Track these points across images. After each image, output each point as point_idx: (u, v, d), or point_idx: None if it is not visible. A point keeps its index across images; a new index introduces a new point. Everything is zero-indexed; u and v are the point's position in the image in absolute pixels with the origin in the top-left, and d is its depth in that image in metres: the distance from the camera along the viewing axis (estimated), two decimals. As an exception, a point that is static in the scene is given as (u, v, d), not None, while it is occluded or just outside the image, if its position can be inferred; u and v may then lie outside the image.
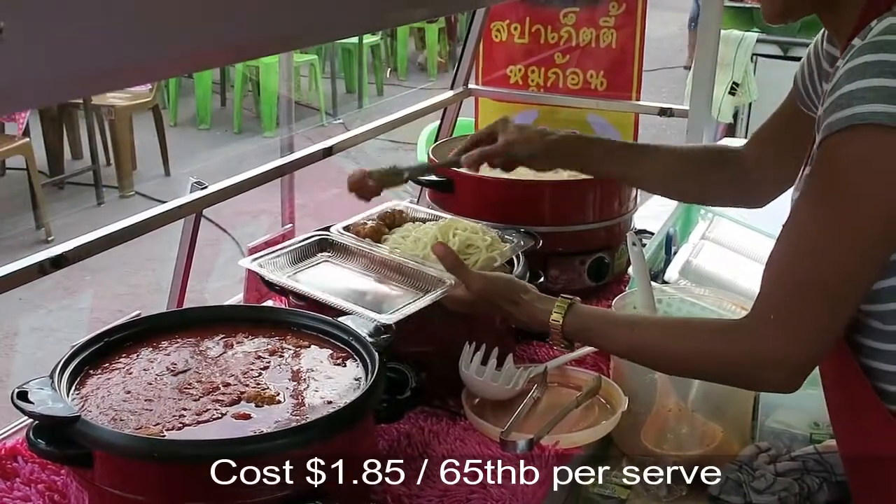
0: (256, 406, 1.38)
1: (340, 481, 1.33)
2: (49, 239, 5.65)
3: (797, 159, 1.38)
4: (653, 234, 2.49)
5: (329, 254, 1.87)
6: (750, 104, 6.15)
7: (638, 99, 2.83)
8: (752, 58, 6.01)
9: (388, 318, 1.57)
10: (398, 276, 1.76)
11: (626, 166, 1.77)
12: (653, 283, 2.04)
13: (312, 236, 1.88)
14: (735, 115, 6.16)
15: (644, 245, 2.47)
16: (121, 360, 1.48)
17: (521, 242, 1.91)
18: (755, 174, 1.65)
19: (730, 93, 5.88)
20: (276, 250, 1.84)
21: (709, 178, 1.71)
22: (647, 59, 2.82)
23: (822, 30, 1.42)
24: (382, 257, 1.80)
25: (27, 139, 6.16)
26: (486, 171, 2.33)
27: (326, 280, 1.78)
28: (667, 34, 10.62)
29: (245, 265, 1.80)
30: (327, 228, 1.92)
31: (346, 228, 1.91)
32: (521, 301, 1.51)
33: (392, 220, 1.97)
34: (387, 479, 1.51)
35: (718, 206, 1.78)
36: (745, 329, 1.27)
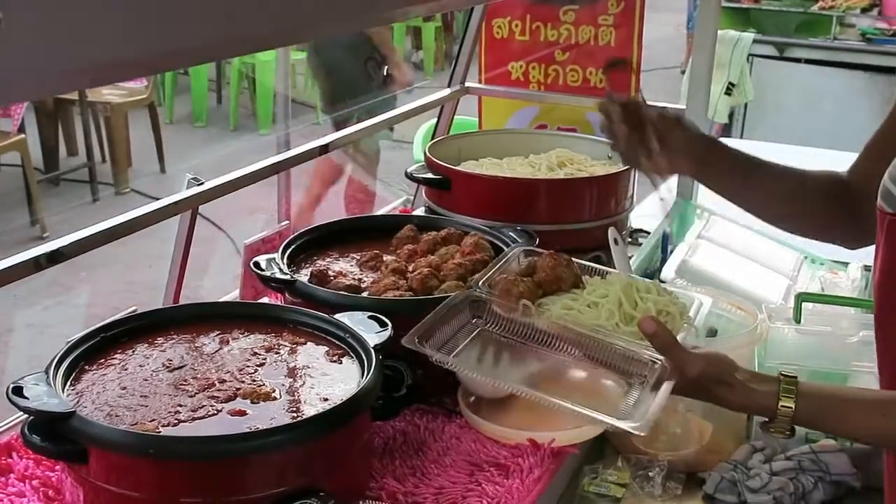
0: (252, 403, 1.38)
1: (336, 478, 1.33)
2: (44, 235, 5.64)
3: None
4: (649, 233, 2.49)
5: (482, 319, 1.57)
6: (746, 104, 6.16)
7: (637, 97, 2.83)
8: (748, 58, 6.02)
9: (639, 427, 1.34)
10: (577, 351, 1.50)
11: (748, 189, 1.58)
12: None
13: (461, 299, 1.58)
14: (731, 116, 6.17)
15: (640, 243, 2.47)
16: (116, 355, 1.48)
17: (701, 302, 1.61)
18: (863, 199, 1.46)
19: (726, 93, 5.89)
20: (426, 322, 1.51)
21: (828, 209, 1.55)
22: (644, 59, 2.82)
23: None
24: (558, 329, 1.50)
25: (23, 135, 6.14)
26: (482, 169, 2.35)
27: (503, 362, 1.52)
28: (663, 35, 10.62)
29: (408, 345, 1.47)
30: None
31: (488, 285, 1.58)
32: (735, 382, 1.33)
33: (533, 269, 1.63)
34: (382, 477, 1.51)
35: (832, 242, 1.62)
36: None
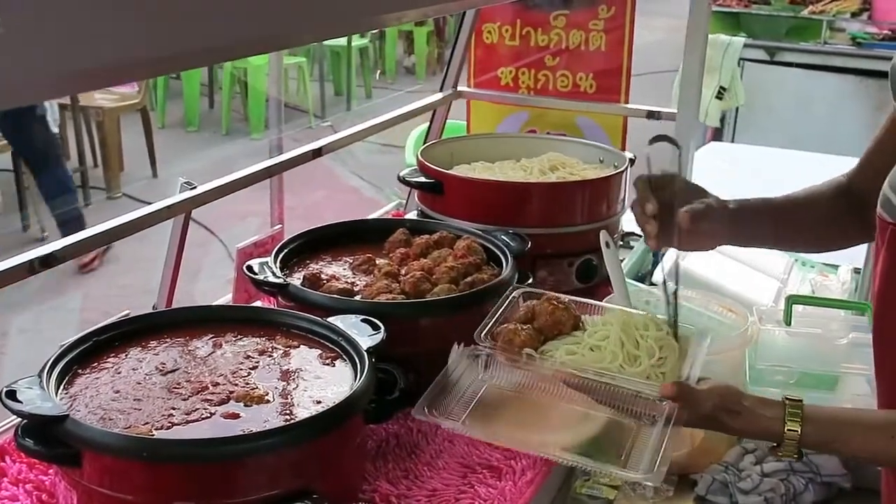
0: (245, 406, 1.38)
1: (329, 481, 1.34)
2: (44, 235, 5.64)
3: None
4: (641, 236, 2.50)
5: (487, 373, 1.56)
6: (737, 108, 6.18)
7: (626, 102, 2.85)
8: (738, 62, 6.04)
9: (654, 479, 1.34)
10: (585, 396, 1.48)
11: (777, 228, 1.61)
12: (640, 285, 2.06)
13: (466, 355, 1.56)
14: (722, 120, 6.19)
15: (631, 246, 2.48)
16: (109, 359, 1.48)
17: (701, 335, 1.58)
18: (865, 202, 1.49)
19: (717, 97, 5.91)
20: (435, 388, 1.50)
21: (844, 219, 1.58)
22: (635, 63, 2.84)
23: None
24: (564, 376, 1.49)
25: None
26: (475, 172, 2.35)
27: (514, 416, 1.51)
28: (654, 40, 10.66)
29: (419, 416, 1.46)
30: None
31: (490, 336, 1.55)
32: (743, 409, 1.34)
33: (532, 315, 1.60)
34: (375, 479, 1.51)
35: (844, 247, 1.65)
36: None
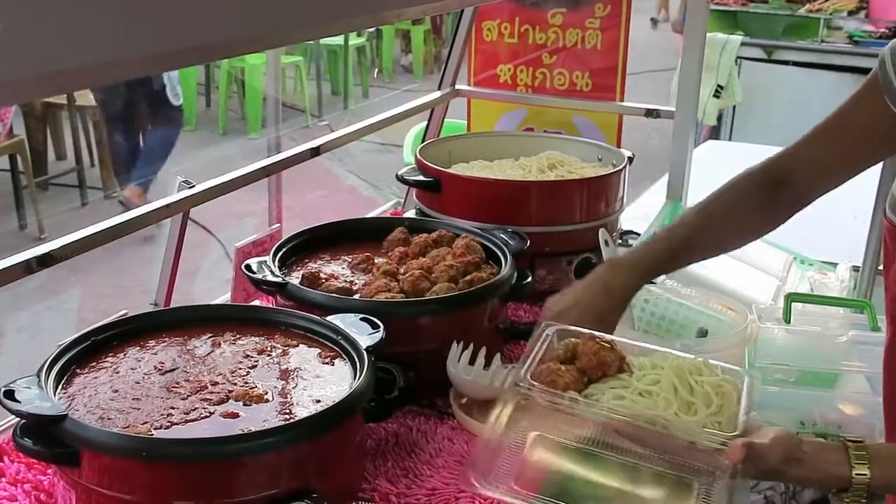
0: (244, 405, 1.38)
1: (328, 480, 1.33)
2: (42, 236, 5.63)
3: (857, 157, 1.41)
4: (639, 234, 2.50)
5: (527, 421, 1.39)
6: (734, 107, 6.18)
7: (622, 100, 2.84)
8: (736, 61, 6.05)
9: None
10: (637, 447, 1.34)
11: (708, 248, 1.67)
12: (639, 283, 2.05)
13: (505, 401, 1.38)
14: (719, 118, 6.20)
15: (630, 245, 2.48)
16: (108, 359, 1.48)
17: (751, 378, 1.42)
18: (801, 184, 1.56)
19: (714, 95, 5.91)
20: (486, 450, 1.36)
21: (773, 204, 1.60)
22: (632, 62, 2.83)
23: None
24: (613, 425, 1.32)
25: (22, 137, 6.11)
26: (473, 171, 2.35)
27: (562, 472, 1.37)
28: (650, 38, 10.67)
29: (466, 487, 1.37)
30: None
31: (532, 376, 1.38)
32: (805, 456, 1.24)
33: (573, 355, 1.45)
34: (375, 478, 1.51)
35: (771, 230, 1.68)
36: None
